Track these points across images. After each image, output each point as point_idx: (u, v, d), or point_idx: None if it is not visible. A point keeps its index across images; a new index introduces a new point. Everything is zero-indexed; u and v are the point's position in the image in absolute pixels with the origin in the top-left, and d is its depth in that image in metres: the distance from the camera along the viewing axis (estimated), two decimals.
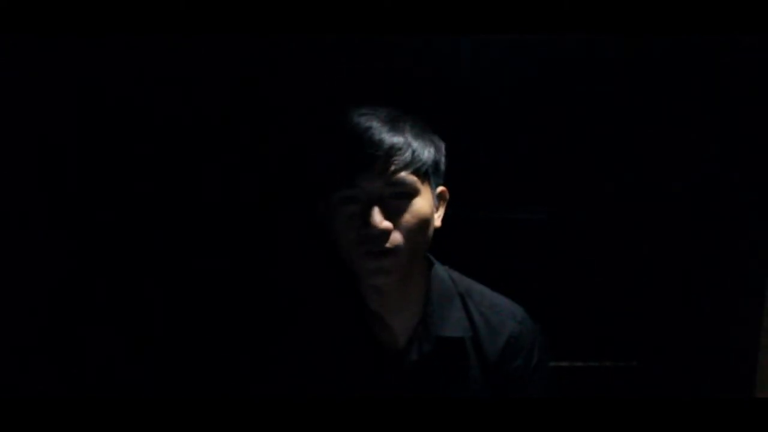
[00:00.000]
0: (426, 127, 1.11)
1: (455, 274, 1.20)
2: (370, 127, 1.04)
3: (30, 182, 1.60)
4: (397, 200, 1.04)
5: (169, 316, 1.67)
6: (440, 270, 1.18)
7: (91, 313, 1.67)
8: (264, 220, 1.65)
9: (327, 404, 1.06)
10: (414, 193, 1.06)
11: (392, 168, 1.03)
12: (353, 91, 1.16)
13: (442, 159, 1.13)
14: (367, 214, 1.02)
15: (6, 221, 1.59)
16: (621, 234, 1.65)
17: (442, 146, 1.13)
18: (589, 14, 1.41)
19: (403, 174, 1.04)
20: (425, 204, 1.07)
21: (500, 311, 1.17)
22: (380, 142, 1.03)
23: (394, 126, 1.05)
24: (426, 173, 1.08)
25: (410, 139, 1.06)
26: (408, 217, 1.05)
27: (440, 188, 1.14)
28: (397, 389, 1.09)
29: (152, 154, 1.62)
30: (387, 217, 1.03)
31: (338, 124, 1.06)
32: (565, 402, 1.10)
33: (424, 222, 1.07)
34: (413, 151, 1.05)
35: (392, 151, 1.03)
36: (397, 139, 1.04)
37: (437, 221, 1.13)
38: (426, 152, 1.08)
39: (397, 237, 1.04)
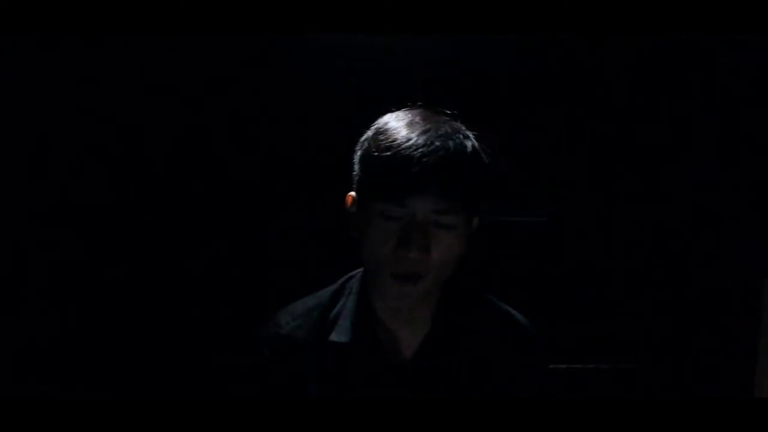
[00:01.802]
0: (482, 149, 1.06)
1: (464, 284, 1.19)
2: (432, 148, 0.98)
3: (29, 181, 1.61)
4: (438, 229, 1.00)
5: (173, 317, 1.67)
6: (451, 281, 1.16)
7: (97, 315, 1.67)
8: (271, 220, 1.65)
9: (328, 405, 1.06)
10: (456, 225, 1.01)
11: (445, 198, 0.98)
12: (352, 92, 1.14)
13: (485, 187, 1.07)
14: (407, 238, 0.99)
15: (5, 220, 1.60)
16: (620, 236, 1.65)
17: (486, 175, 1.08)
18: (589, 14, 1.41)
19: (453, 206, 0.99)
20: (462, 236, 1.04)
21: (507, 322, 1.16)
22: (441, 169, 0.98)
23: (457, 151, 1.00)
24: (476, 200, 1.04)
25: (470, 170, 1.01)
26: (444, 249, 1.01)
27: (475, 219, 1.09)
28: (402, 398, 1.08)
29: (151, 154, 1.62)
30: (426, 243, 0.99)
31: (397, 135, 1.00)
32: (565, 402, 1.10)
33: (457, 254, 1.04)
34: (469, 186, 1.01)
35: (450, 181, 0.98)
36: (458, 170, 0.99)
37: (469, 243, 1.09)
38: (478, 186, 1.03)
39: (428, 266, 1.01)
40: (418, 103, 1.08)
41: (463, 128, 1.06)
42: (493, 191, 1.09)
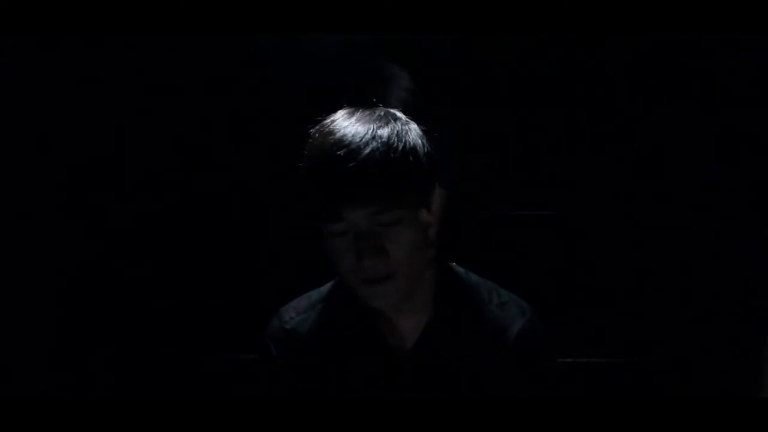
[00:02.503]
0: (409, 128, 1.01)
1: (464, 272, 1.18)
2: (348, 155, 0.94)
3: (28, 181, 1.61)
4: (388, 227, 0.98)
5: (176, 317, 1.67)
6: (450, 268, 1.16)
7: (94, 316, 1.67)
8: (265, 215, 1.65)
9: (331, 404, 1.05)
10: (404, 217, 0.98)
11: (376, 197, 0.95)
12: (357, 90, 1.14)
13: (432, 161, 1.02)
14: (357, 248, 0.97)
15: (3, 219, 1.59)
16: (627, 231, 1.64)
17: (431, 146, 1.03)
18: (589, 14, 1.41)
19: (388, 201, 0.96)
20: (418, 223, 1.01)
21: (510, 309, 1.15)
22: (359, 172, 0.94)
23: (374, 145, 0.95)
24: (414, 188, 1.00)
25: (393, 157, 0.96)
26: (401, 244, 0.98)
27: (436, 192, 1.06)
28: (405, 389, 1.08)
29: (152, 152, 1.62)
30: (379, 246, 0.97)
31: (315, 153, 0.98)
32: (566, 401, 1.10)
33: (419, 243, 1.02)
34: (397, 174, 0.96)
35: (374, 180, 0.94)
36: (378, 167, 0.94)
37: (436, 226, 1.07)
38: (412, 167, 0.98)
39: (392, 264, 0.99)
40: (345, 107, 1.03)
41: (382, 116, 1.01)
42: (442, 159, 1.04)
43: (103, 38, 1.52)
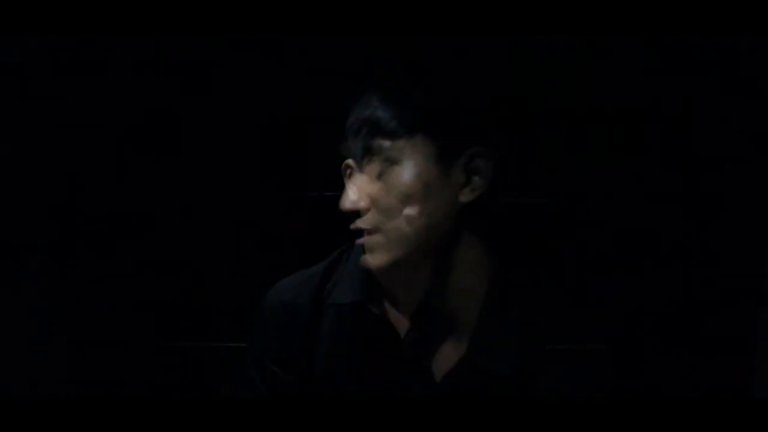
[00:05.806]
0: (418, 70, 0.99)
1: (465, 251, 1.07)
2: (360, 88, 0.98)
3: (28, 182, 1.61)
4: (381, 164, 0.92)
5: (170, 310, 1.66)
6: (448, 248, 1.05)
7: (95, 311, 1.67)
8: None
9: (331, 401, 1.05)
10: (395, 158, 0.91)
11: (369, 125, 0.93)
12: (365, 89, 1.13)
13: (450, 105, 0.94)
14: (346, 176, 0.98)
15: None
16: (626, 223, 1.63)
17: (442, 89, 0.97)
18: (589, 15, 1.40)
19: (379, 132, 0.92)
20: (411, 173, 0.91)
21: (507, 288, 1.11)
22: (360, 99, 0.96)
23: (378, 81, 0.97)
24: (416, 128, 0.91)
25: (389, 88, 0.95)
26: (386, 192, 0.93)
27: (469, 151, 0.93)
28: (405, 368, 1.06)
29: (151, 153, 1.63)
30: (365, 188, 0.95)
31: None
32: (566, 401, 1.10)
33: (410, 197, 0.92)
34: (388, 104, 0.93)
35: (366, 107, 0.94)
36: (373, 94, 0.95)
37: (463, 195, 0.95)
38: (409, 101, 0.93)
39: (373, 216, 0.95)
40: None
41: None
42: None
43: (102, 38, 1.52)
